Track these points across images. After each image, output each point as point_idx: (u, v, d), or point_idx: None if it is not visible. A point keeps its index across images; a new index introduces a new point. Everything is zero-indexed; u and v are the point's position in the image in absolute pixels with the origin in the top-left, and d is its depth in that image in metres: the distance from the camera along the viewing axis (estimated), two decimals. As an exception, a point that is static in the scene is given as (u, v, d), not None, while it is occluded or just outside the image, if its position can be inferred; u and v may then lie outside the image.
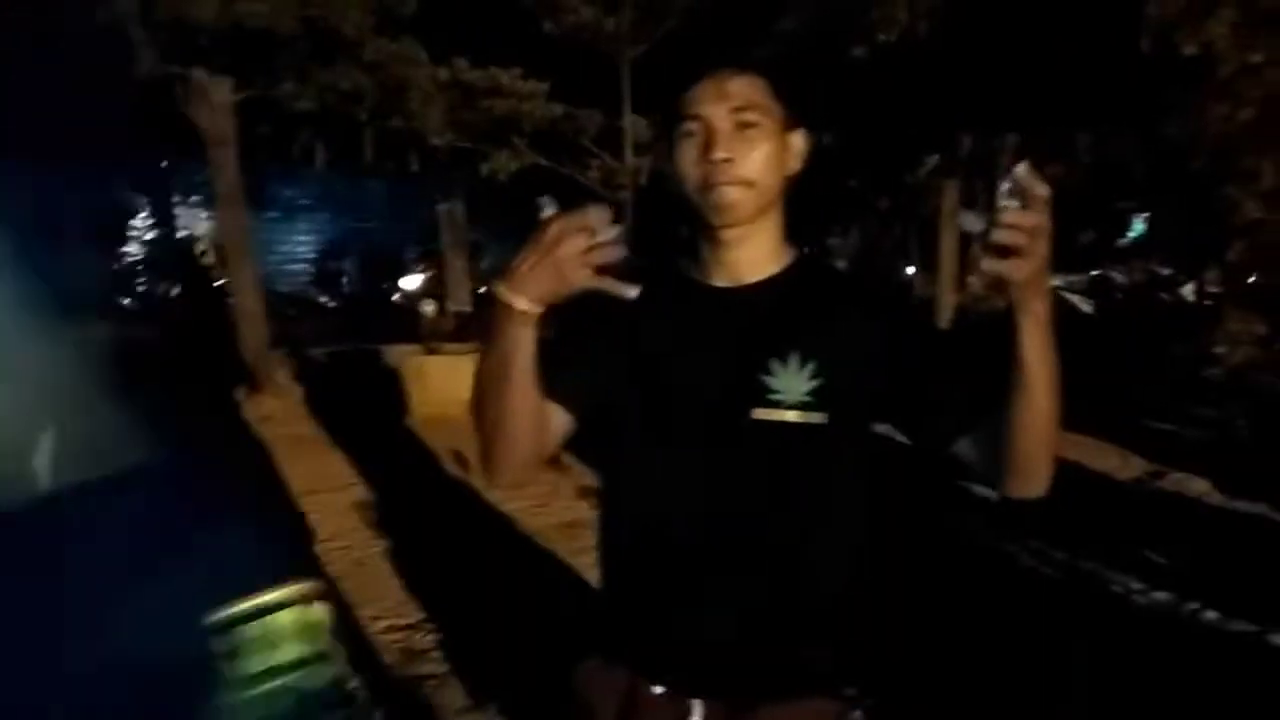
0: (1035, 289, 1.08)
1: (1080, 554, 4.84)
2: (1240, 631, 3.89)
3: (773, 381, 1.26)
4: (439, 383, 8.14)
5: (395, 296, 15.33)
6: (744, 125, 1.22)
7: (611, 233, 1.10)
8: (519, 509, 5.52)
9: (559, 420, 1.32)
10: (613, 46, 11.29)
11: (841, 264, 19.74)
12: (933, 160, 11.53)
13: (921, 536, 5.01)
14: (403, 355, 9.08)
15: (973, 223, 1.03)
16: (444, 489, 6.01)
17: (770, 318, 1.30)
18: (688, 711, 1.30)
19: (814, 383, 1.25)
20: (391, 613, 4.09)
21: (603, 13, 11.09)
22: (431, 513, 5.65)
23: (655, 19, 11.10)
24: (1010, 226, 1.01)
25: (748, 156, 1.23)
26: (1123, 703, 3.36)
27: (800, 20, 10.64)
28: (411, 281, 17.23)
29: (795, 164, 1.30)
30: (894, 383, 1.28)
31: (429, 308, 10.23)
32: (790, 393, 1.26)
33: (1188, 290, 11.00)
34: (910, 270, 14.43)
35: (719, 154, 1.22)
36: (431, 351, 8.85)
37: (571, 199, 1.18)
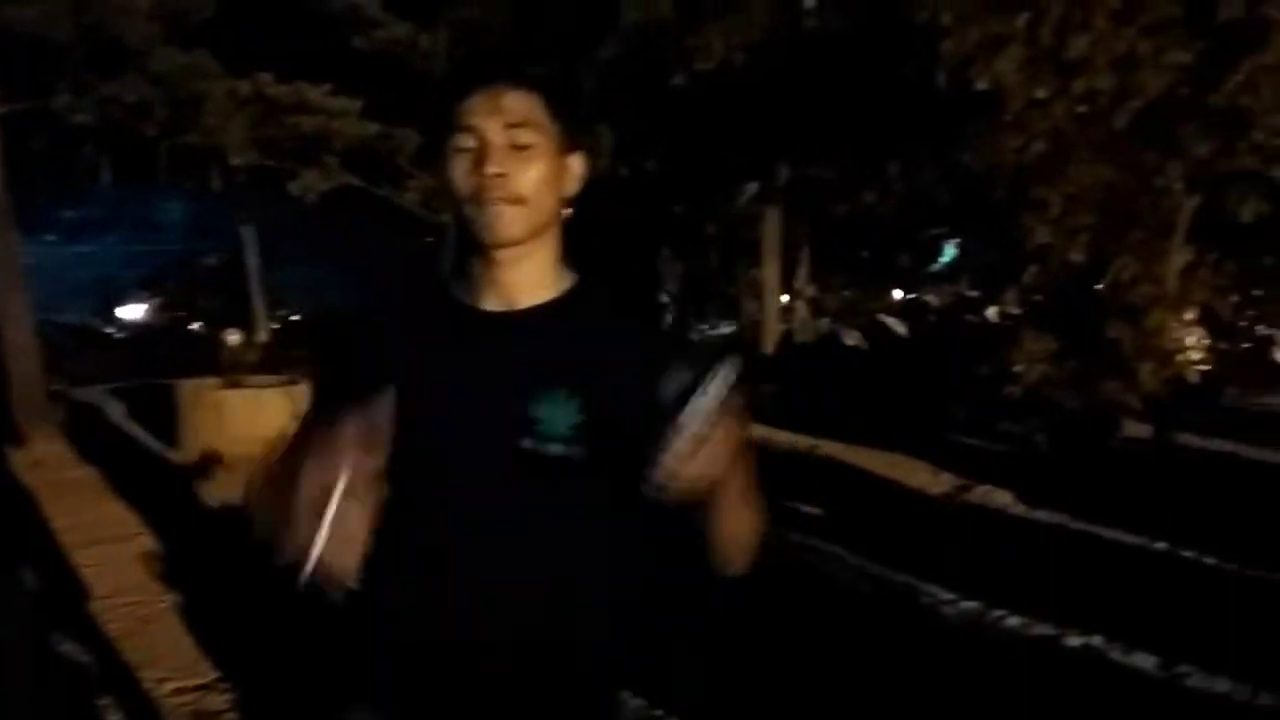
0: (730, 474, 1.10)
1: (896, 567, 4.98)
2: (1040, 635, 4.08)
3: (540, 413, 1.22)
4: (242, 418, 7.59)
5: (193, 325, 14.35)
6: (519, 143, 1.19)
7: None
8: (327, 551, 5.16)
9: None
10: (428, 64, 11.02)
11: (670, 289, 20.07)
12: (753, 188, 11.83)
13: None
14: (199, 389, 8.42)
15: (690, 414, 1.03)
16: (243, 535, 5.55)
17: (541, 346, 1.26)
18: None
19: (581, 416, 1.22)
20: (181, 673, 3.77)
21: (416, 30, 10.82)
22: (228, 561, 5.20)
23: (471, 38, 10.90)
24: (699, 439, 1.03)
25: (522, 173, 1.20)
26: (934, 709, 3.42)
27: (621, 46, 10.72)
28: (134, 311, 16.18)
29: (573, 186, 1.28)
30: (645, 427, 1.21)
31: (233, 337, 9.59)
32: (557, 425, 1.21)
33: (991, 312, 11.74)
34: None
35: (491, 169, 1.18)
36: (232, 385, 8.26)
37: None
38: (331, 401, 1.17)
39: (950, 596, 4.57)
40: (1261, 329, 13.65)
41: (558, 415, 1.21)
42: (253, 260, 11.61)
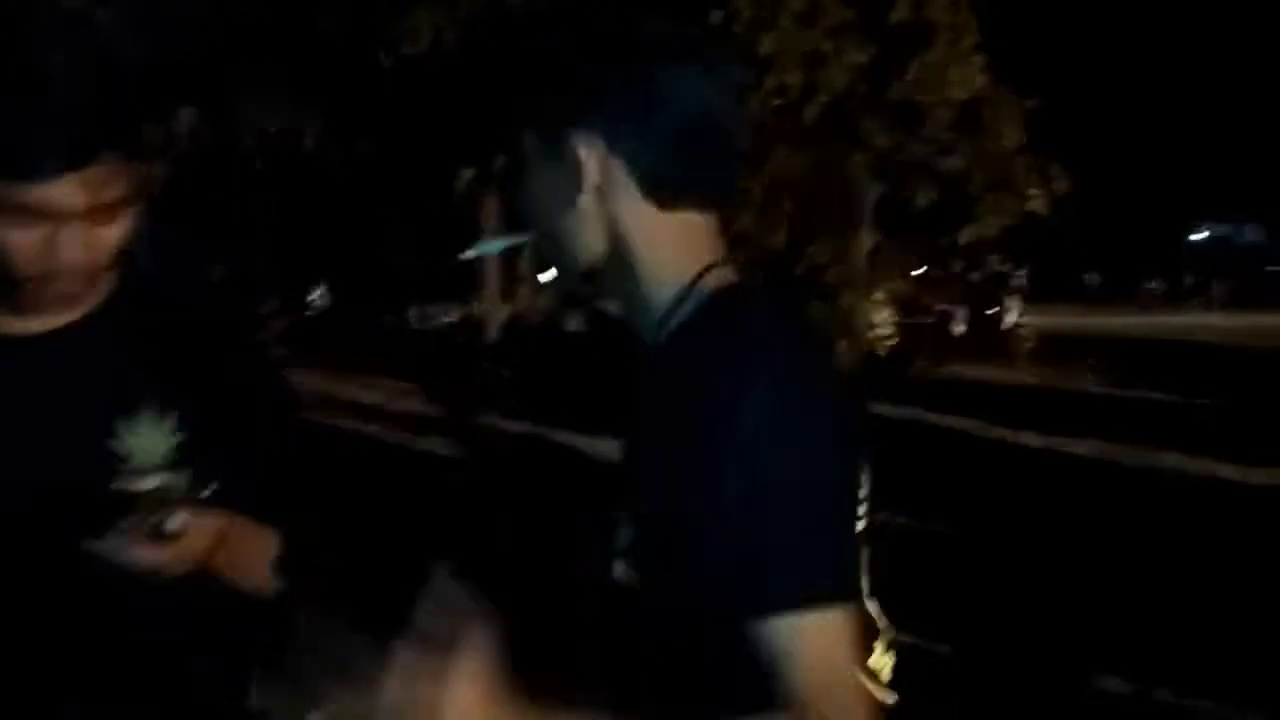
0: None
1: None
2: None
3: (124, 446, 1.00)
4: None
5: None
6: (105, 212, 0.94)
7: None
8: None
9: None
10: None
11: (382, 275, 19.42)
12: (469, 173, 11.67)
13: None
14: None
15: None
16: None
17: (105, 363, 1.03)
18: None
19: (179, 436, 1.02)
20: None
21: (94, 5, 9.78)
22: None
23: (166, 24, 9.95)
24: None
25: (106, 249, 0.96)
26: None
27: (326, 28, 10.22)
28: None
29: None
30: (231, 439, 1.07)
31: None
32: (149, 456, 1.00)
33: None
34: None
35: (71, 258, 0.94)
36: None
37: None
38: None
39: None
40: (942, 306, 15.12)
41: (150, 443, 1.01)
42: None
